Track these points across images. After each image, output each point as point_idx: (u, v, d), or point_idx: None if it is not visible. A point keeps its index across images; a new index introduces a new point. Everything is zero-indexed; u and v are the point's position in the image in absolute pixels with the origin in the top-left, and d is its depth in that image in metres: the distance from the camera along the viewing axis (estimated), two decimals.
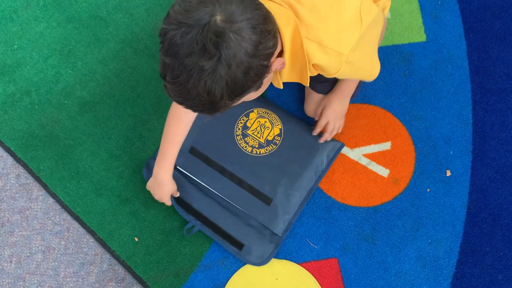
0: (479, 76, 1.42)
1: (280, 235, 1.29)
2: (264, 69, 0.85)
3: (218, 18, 0.78)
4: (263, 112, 1.37)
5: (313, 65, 0.98)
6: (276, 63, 0.88)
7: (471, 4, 1.47)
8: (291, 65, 0.97)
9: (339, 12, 0.95)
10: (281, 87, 1.06)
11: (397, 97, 1.41)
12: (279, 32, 0.90)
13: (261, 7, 0.84)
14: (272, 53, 0.86)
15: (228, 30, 0.77)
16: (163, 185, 1.25)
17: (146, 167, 1.35)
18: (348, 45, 0.96)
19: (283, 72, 1.02)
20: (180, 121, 1.17)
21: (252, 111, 1.37)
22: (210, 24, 0.77)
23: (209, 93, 0.81)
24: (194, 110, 0.86)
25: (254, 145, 1.34)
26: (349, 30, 0.97)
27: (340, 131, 1.34)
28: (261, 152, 1.34)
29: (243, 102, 1.40)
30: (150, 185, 1.28)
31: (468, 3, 1.47)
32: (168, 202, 1.30)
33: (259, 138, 1.35)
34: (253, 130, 1.35)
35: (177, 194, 1.31)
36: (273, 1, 0.92)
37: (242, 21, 0.78)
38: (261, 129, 1.36)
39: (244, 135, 1.35)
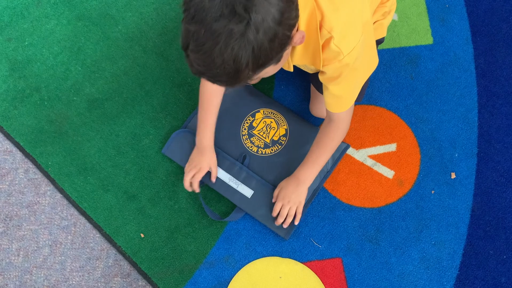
0: (485, 79, 1.42)
1: (283, 236, 1.30)
2: (287, 40, 0.84)
3: None
4: (269, 113, 1.38)
5: None
6: (297, 35, 0.88)
7: (478, 8, 1.47)
8: (305, 47, 0.99)
9: (351, 9, 0.97)
10: (291, 69, 1.07)
11: (403, 99, 1.41)
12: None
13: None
14: (295, 24, 0.85)
15: (250, 14, 0.76)
16: (205, 152, 1.29)
17: (167, 148, 1.37)
18: (348, 46, 0.97)
19: (295, 55, 1.02)
20: (213, 91, 1.22)
21: (258, 111, 1.38)
22: None
23: (235, 60, 0.79)
24: (215, 81, 0.84)
25: (259, 145, 1.35)
26: (354, 31, 0.98)
27: (296, 221, 1.27)
28: (267, 152, 1.35)
29: (250, 101, 1.41)
30: (193, 156, 1.30)
31: (476, 7, 1.47)
32: (196, 186, 1.30)
33: (265, 138, 1.36)
34: (259, 130, 1.36)
35: (215, 175, 1.31)
36: None
37: (262, 21, 0.77)
38: (267, 129, 1.37)
39: (250, 135, 1.36)
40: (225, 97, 1.31)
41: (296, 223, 1.28)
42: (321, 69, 1.01)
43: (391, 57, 1.44)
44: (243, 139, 1.36)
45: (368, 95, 1.41)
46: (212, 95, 1.24)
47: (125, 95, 1.43)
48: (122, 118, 1.42)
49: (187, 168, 1.31)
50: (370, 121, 1.40)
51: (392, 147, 1.38)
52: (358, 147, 1.38)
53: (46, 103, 1.43)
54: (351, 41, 0.97)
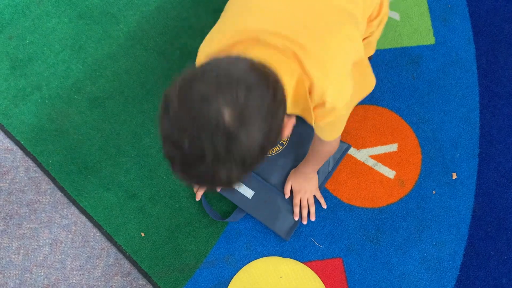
0: (487, 80, 1.42)
1: (284, 237, 1.30)
2: (276, 139, 0.77)
3: (226, 114, 0.68)
4: None
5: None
6: (287, 129, 0.81)
7: (480, 8, 1.47)
8: (294, 105, 0.92)
9: (342, 64, 0.91)
10: None
11: (404, 99, 1.41)
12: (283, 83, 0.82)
13: (267, 76, 0.74)
14: (283, 120, 0.77)
15: (238, 130, 0.69)
16: None
17: None
18: (343, 100, 0.91)
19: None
20: None
21: None
22: (219, 125, 0.68)
23: (226, 182, 0.74)
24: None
25: None
26: (347, 85, 0.92)
27: (323, 205, 1.32)
28: (268, 153, 1.35)
29: None
30: None
31: (478, 7, 1.47)
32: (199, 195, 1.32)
33: None
34: None
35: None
36: (276, 48, 0.85)
37: (252, 113, 0.69)
38: None
39: None
40: None
41: (324, 206, 1.33)
42: (313, 124, 0.96)
43: (393, 57, 1.43)
44: None
45: (370, 95, 1.41)
46: None
47: (126, 94, 1.43)
48: (123, 116, 1.41)
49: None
50: (372, 121, 1.39)
51: (393, 147, 1.38)
52: (359, 147, 1.38)
53: (47, 101, 1.42)
54: (345, 95, 0.92)
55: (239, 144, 0.69)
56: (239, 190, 1.32)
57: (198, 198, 1.33)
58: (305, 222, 1.32)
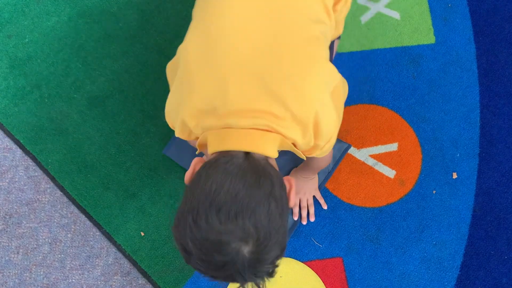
0: (487, 79, 1.42)
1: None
2: (288, 209, 0.80)
3: (246, 251, 0.72)
4: None
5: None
6: (292, 195, 0.83)
7: (481, 7, 1.47)
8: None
9: (322, 104, 0.86)
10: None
11: (405, 98, 1.41)
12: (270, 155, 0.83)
13: (261, 174, 0.76)
14: (286, 194, 0.80)
15: (261, 255, 0.73)
16: None
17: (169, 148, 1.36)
18: (332, 136, 0.91)
19: None
20: None
21: None
22: (244, 263, 0.72)
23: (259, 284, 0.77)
24: None
25: None
26: (334, 124, 0.90)
27: (323, 205, 1.32)
28: None
29: None
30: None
31: (478, 6, 1.47)
32: None
33: None
34: None
35: None
36: (250, 128, 0.81)
37: (266, 233, 0.73)
38: None
39: None
40: None
41: (325, 207, 1.32)
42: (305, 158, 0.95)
43: (393, 57, 1.43)
44: None
45: (370, 94, 1.41)
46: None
47: (126, 93, 1.43)
48: (123, 116, 1.41)
49: None
50: (372, 120, 1.39)
51: (393, 147, 1.38)
52: (359, 146, 1.38)
53: (46, 100, 1.42)
54: (333, 131, 0.90)
55: (265, 260, 0.74)
56: None
57: None
58: (304, 222, 1.31)
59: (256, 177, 0.76)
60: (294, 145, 0.86)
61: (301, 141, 0.85)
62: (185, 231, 0.74)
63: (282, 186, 0.80)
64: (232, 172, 0.76)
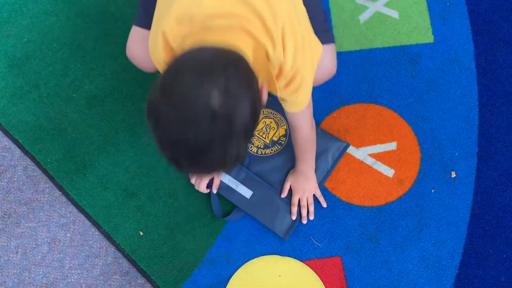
0: (486, 78, 1.42)
1: (282, 237, 1.30)
2: (261, 103, 0.82)
3: (216, 99, 0.72)
4: (268, 113, 1.37)
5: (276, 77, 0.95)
6: (264, 94, 0.85)
7: (479, 6, 1.47)
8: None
9: (290, 24, 0.92)
10: None
11: (403, 97, 1.41)
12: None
13: (233, 54, 0.78)
14: (258, 87, 0.82)
15: (232, 108, 0.73)
16: None
17: None
18: (301, 61, 0.94)
19: None
20: None
21: None
22: (214, 110, 0.72)
23: (236, 158, 0.78)
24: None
25: (259, 146, 1.35)
26: (300, 45, 0.94)
27: (323, 204, 1.33)
28: (267, 153, 1.35)
29: None
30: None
31: (477, 5, 1.47)
32: (203, 188, 1.32)
33: (264, 138, 1.35)
34: (258, 131, 1.36)
35: (217, 185, 1.32)
36: (225, 29, 0.88)
37: (236, 89, 0.74)
38: (266, 130, 1.36)
39: None
40: None
41: (324, 205, 1.32)
42: (278, 95, 0.98)
43: (392, 56, 1.43)
44: None
45: (369, 93, 1.41)
46: None
47: (124, 92, 1.42)
48: (122, 115, 1.41)
49: (191, 178, 1.33)
50: (371, 119, 1.39)
51: (392, 146, 1.38)
52: (358, 145, 1.38)
53: (45, 100, 1.42)
54: (300, 63, 0.94)
55: (237, 119, 0.73)
56: (237, 190, 1.32)
57: (215, 190, 1.32)
58: (304, 221, 1.32)
59: (229, 56, 0.78)
60: (267, 56, 0.90)
61: (272, 53, 0.90)
62: (157, 91, 0.75)
63: (255, 77, 0.80)
64: (202, 51, 0.78)
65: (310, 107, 1.09)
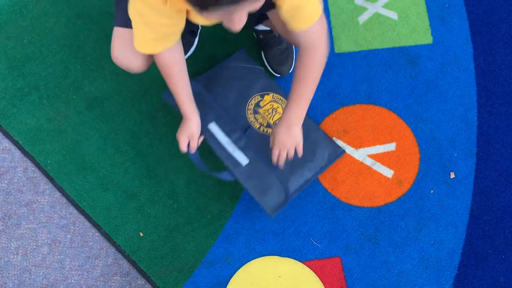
0: (484, 79, 1.42)
1: (269, 213, 1.27)
2: None
3: None
4: (277, 98, 1.38)
5: None
6: None
7: (478, 8, 1.47)
8: None
9: None
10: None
11: (402, 98, 1.41)
12: None
13: None
14: None
15: None
16: (192, 120, 1.23)
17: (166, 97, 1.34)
18: None
19: None
20: (169, 61, 1.14)
21: (268, 94, 1.38)
22: None
23: None
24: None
25: (262, 123, 1.35)
26: None
27: (299, 154, 1.24)
28: (268, 132, 1.35)
29: (263, 82, 1.37)
30: (182, 124, 1.24)
31: (475, 7, 1.47)
32: (184, 145, 1.25)
33: (269, 119, 1.36)
34: (264, 110, 1.37)
35: (200, 140, 1.28)
36: None
37: None
38: (272, 112, 1.37)
39: (255, 112, 1.36)
40: (240, 69, 1.35)
41: (300, 154, 1.23)
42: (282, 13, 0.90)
43: (391, 57, 1.44)
44: (247, 112, 1.36)
45: (368, 94, 1.41)
46: (169, 66, 1.15)
47: (124, 94, 1.43)
48: (121, 116, 1.41)
49: (179, 136, 1.25)
50: (370, 120, 1.40)
51: (391, 147, 1.38)
52: (357, 146, 1.38)
53: (45, 101, 1.42)
54: None
55: None
56: (234, 155, 1.30)
57: (193, 150, 1.26)
58: (281, 167, 1.25)
59: None
60: None
61: None
62: None
63: None
64: None
65: (323, 18, 0.97)
